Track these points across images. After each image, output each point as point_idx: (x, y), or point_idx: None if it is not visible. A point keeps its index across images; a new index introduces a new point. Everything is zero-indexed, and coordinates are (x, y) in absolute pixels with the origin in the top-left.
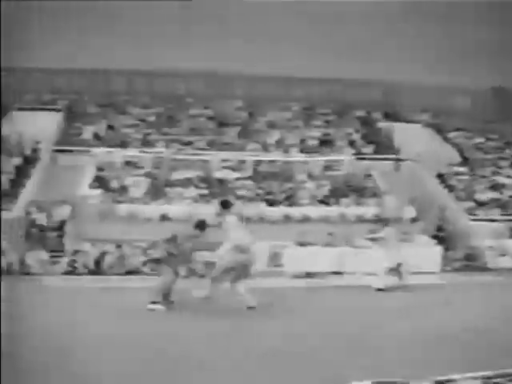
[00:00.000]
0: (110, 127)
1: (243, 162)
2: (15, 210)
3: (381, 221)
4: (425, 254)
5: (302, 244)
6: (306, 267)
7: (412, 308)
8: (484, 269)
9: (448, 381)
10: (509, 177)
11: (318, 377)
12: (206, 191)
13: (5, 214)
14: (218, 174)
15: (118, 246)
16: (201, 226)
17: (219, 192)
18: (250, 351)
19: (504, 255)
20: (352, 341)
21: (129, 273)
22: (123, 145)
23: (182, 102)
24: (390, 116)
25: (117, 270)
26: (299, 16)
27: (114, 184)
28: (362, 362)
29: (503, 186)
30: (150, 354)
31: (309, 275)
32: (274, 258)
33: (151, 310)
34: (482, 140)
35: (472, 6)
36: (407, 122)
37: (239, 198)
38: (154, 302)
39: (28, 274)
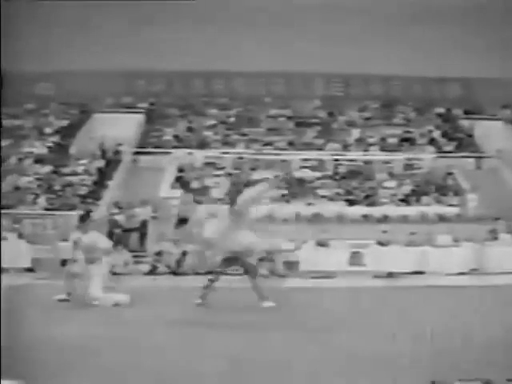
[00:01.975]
0: (190, 129)
1: (323, 161)
2: (98, 212)
3: None
4: (507, 253)
5: (382, 243)
6: (387, 267)
7: (497, 307)
8: None
9: None
10: None
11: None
12: (285, 191)
13: None
14: (298, 174)
15: None
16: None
17: (299, 192)
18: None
19: None
20: (438, 341)
21: (209, 272)
22: (203, 146)
23: (261, 103)
24: (470, 112)
25: (198, 269)
26: (373, 15)
27: (195, 185)
28: (451, 362)
29: None
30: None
31: (390, 275)
32: (355, 258)
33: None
34: None
35: None
36: (488, 118)
37: (320, 197)
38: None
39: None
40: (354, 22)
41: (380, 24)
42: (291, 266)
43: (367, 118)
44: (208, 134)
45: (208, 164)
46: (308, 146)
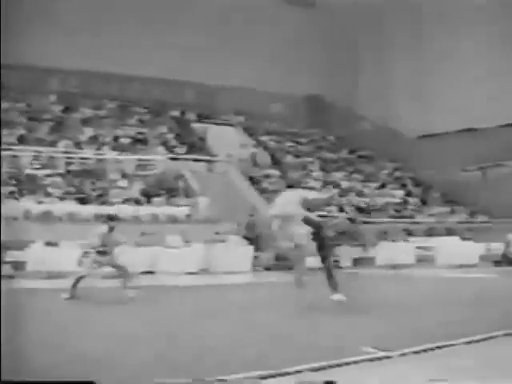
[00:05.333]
0: None
1: (54, 158)
2: None
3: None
4: (237, 255)
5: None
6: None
7: (225, 306)
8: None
9: None
10: (317, 180)
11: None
12: (14, 188)
13: None
14: (28, 171)
15: None
16: None
17: (29, 189)
18: None
19: None
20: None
21: None
22: None
23: None
24: (203, 117)
25: None
26: (123, 12)
27: None
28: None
29: (313, 189)
30: None
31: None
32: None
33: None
34: (292, 144)
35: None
36: (221, 123)
37: (49, 195)
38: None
39: None
40: (94, 16)
41: (124, 22)
42: (18, 266)
43: (102, 117)
44: None
45: None
46: (40, 142)
